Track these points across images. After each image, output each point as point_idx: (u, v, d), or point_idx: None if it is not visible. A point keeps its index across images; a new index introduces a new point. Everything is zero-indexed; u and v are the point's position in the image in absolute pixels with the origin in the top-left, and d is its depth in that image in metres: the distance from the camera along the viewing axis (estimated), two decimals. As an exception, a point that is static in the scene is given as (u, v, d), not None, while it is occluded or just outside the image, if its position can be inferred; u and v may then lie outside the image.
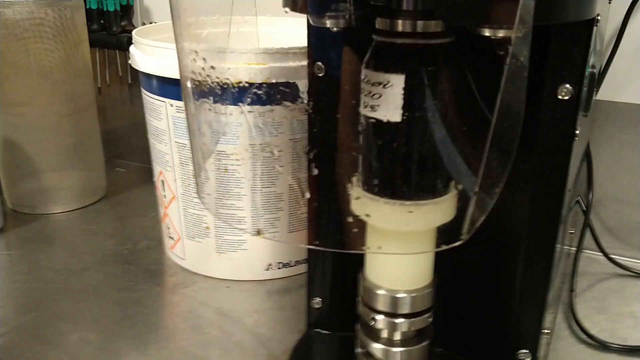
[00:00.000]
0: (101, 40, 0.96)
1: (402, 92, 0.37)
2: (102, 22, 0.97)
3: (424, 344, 0.46)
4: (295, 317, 0.63)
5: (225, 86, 0.53)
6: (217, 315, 0.64)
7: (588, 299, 0.69)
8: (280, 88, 0.59)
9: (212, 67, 0.40)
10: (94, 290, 0.68)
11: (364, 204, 0.41)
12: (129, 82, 1.01)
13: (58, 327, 0.61)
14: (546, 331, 0.55)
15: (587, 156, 0.77)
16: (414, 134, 0.38)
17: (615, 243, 0.76)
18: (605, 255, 0.74)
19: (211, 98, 0.46)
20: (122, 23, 0.96)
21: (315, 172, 0.49)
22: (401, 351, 0.45)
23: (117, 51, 0.99)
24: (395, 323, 0.45)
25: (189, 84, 0.39)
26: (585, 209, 0.75)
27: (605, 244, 0.75)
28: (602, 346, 0.60)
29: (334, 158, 0.46)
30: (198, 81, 0.42)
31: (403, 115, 0.37)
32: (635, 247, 0.76)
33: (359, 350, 0.48)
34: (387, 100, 0.38)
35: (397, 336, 0.46)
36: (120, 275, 0.71)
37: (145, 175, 0.72)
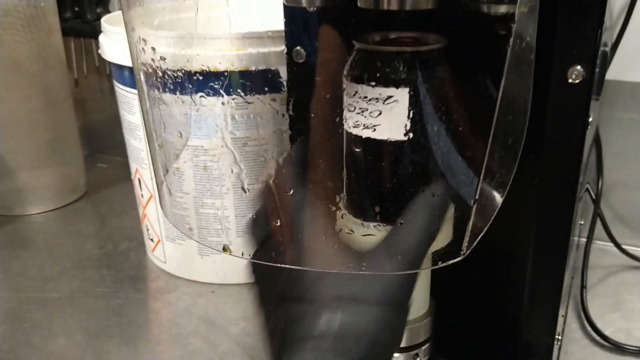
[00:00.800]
0: (75, 28, 0.90)
1: (408, 107, 0.32)
2: (75, 9, 0.91)
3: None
4: (285, 323, 0.59)
5: (197, 76, 0.48)
6: (201, 324, 0.59)
7: (600, 294, 0.64)
8: (262, 76, 0.54)
9: (163, 58, 0.35)
10: (70, 298, 0.63)
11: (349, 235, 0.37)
12: (108, 72, 0.96)
13: (29, 341, 0.57)
14: (558, 337, 0.50)
15: (596, 141, 0.72)
16: (419, 152, 0.33)
17: (627, 233, 0.71)
18: (617, 246, 0.70)
19: (179, 89, 0.41)
20: (98, 10, 0.90)
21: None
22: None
23: (94, 40, 0.93)
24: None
25: (142, 76, 0.34)
26: (594, 197, 0.70)
27: (617, 234, 0.70)
28: (618, 348, 0.56)
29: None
30: (160, 71, 0.37)
31: (407, 133, 0.33)
32: (648, 236, 0.71)
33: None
34: (390, 119, 0.32)
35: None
36: (98, 281, 0.66)
37: (129, 170, 0.67)
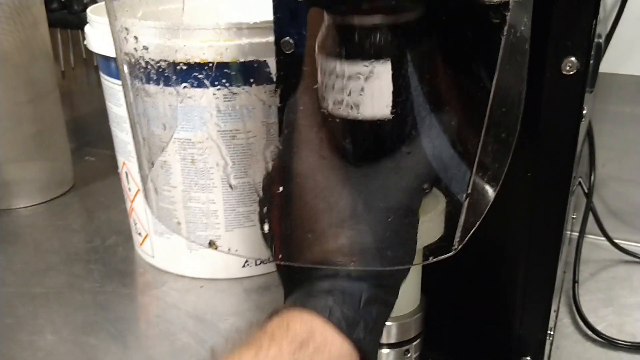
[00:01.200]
0: (62, 19, 0.89)
1: (390, 82, 0.31)
2: (62, 0, 0.89)
3: (411, 357, 0.41)
4: (274, 318, 0.58)
5: (182, 66, 0.47)
6: (190, 320, 0.58)
7: (592, 289, 0.64)
8: (249, 67, 0.53)
9: (145, 48, 0.34)
10: (56, 293, 0.62)
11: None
12: (95, 64, 0.94)
13: (15, 337, 0.56)
14: (550, 333, 0.50)
15: (589, 134, 0.72)
16: (403, 132, 0.32)
17: (620, 227, 0.71)
18: (610, 240, 0.69)
19: (164, 80, 0.40)
20: (85, 1, 0.89)
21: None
22: (387, 365, 0.40)
23: (80, 32, 0.92)
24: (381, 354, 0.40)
25: (125, 66, 0.33)
26: (587, 191, 0.69)
27: (609, 229, 0.69)
28: (610, 343, 0.55)
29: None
30: (143, 61, 0.36)
31: (392, 111, 0.31)
32: (641, 231, 0.71)
33: None
34: (372, 95, 0.31)
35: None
36: (86, 276, 0.65)
37: (117, 163, 0.66)
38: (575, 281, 0.62)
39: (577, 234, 0.69)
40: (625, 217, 0.71)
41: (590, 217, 0.69)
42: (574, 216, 0.66)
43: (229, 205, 0.60)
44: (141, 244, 0.66)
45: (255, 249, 0.63)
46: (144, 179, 0.40)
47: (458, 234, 0.29)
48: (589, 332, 0.57)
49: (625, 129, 0.72)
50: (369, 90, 0.31)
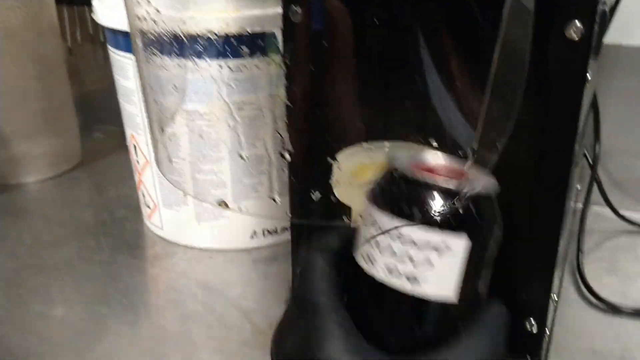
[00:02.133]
0: (68, -5, 0.89)
1: (465, 260, 0.27)
2: (68, -25, 0.90)
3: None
4: (282, 287, 0.59)
5: (191, 38, 0.48)
6: (199, 288, 0.59)
7: (597, 259, 0.64)
8: (257, 39, 0.53)
9: (158, 11, 0.35)
10: (67, 265, 0.63)
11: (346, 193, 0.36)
12: (102, 40, 0.95)
13: (27, 307, 0.57)
14: (554, 298, 0.50)
15: (594, 106, 0.72)
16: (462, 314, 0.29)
17: (624, 198, 0.71)
18: (614, 211, 0.70)
19: (172, 52, 0.41)
20: (91, -24, 0.89)
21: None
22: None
23: (87, 8, 0.92)
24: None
25: (138, 41, 0.33)
26: (592, 162, 0.69)
27: (614, 200, 0.70)
28: (614, 310, 0.56)
29: (315, 122, 0.40)
30: (154, 33, 0.37)
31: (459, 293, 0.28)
32: (646, 201, 0.71)
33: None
34: (441, 273, 0.27)
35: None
36: (96, 248, 0.66)
37: (125, 140, 0.67)
38: (579, 250, 0.63)
39: (582, 205, 0.70)
40: (629, 188, 0.72)
41: (595, 189, 0.70)
42: (579, 187, 0.67)
43: (237, 177, 0.60)
44: (150, 217, 0.67)
45: (262, 219, 0.64)
46: (155, 143, 0.41)
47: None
48: (593, 299, 0.57)
49: (631, 102, 0.72)
50: (440, 266, 0.27)
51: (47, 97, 0.79)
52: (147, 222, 0.69)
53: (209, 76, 0.54)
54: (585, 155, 0.69)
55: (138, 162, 0.65)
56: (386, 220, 0.26)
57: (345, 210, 0.35)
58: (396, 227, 0.26)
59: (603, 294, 0.57)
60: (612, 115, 0.72)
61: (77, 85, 0.92)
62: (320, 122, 0.44)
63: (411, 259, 0.26)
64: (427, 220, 0.26)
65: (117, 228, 0.70)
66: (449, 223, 0.26)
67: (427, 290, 0.26)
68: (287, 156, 0.45)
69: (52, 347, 0.52)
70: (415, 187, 0.27)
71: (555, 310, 0.56)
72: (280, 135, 0.50)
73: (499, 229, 0.28)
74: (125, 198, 0.75)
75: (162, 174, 0.54)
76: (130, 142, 0.65)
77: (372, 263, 0.27)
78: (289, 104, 0.44)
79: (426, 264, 0.26)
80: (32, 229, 0.70)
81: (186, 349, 0.52)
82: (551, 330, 0.53)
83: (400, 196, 0.27)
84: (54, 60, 0.79)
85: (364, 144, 0.39)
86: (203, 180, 0.60)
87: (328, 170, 0.37)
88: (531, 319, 0.45)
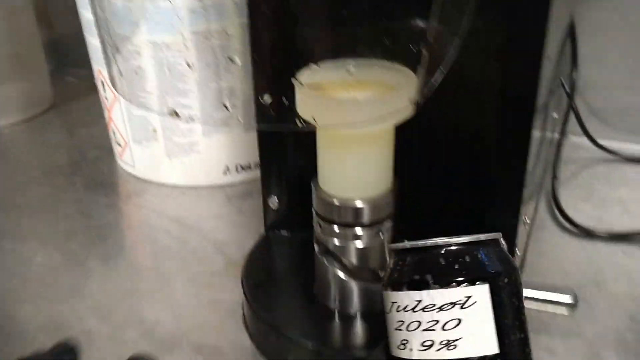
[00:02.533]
0: None
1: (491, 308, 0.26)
2: None
3: (383, 238, 0.41)
4: (256, 221, 0.58)
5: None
6: (172, 224, 0.59)
7: (573, 186, 0.64)
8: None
9: None
10: (39, 204, 0.62)
11: (309, 105, 0.35)
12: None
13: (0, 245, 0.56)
14: (527, 221, 0.50)
15: (572, 35, 0.71)
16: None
17: (601, 127, 0.71)
18: (592, 140, 0.69)
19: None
20: None
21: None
22: (360, 246, 0.40)
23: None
24: (355, 233, 0.40)
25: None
26: (569, 91, 0.69)
27: (592, 129, 0.69)
28: (588, 234, 0.56)
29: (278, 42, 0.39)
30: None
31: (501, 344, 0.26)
32: (623, 130, 0.71)
33: (317, 248, 0.43)
34: (472, 327, 0.26)
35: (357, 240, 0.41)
36: (67, 187, 0.65)
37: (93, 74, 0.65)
38: (554, 177, 0.62)
39: (559, 134, 0.70)
40: (607, 117, 0.71)
41: (573, 118, 0.69)
42: (555, 115, 0.66)
43: (206, 112, 0.59)
44: (121, 155, 0.66)
45: (234, 153, 0.63)
46: (108, 62, 0.40)
47: (421, 87, 0.29)
48: (568, 225, 0.57)
49: (608, 29, 0.71)
50: (471, 322, 0.26)
51: (14, 41, 0.77)
52: (119, 160, 0.68)
53: (172, 5, 0.53)
54: (562, 84, 0.68)
55: (106, 98, 0.63)
56: (406, 297, 0.26)
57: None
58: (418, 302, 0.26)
59: (578, 219, 0.57)
60: (590, 44, 0.71)
61: (48, 30, 0.89)
62: (282, 42, 0.42)
63: (442, 326, 0.26)
64: (443, 283, 0.26)
65: (89, 168, 0.69)
66: (465, 276, 0.26)
67: (468, 351, 0.25)
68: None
69: (24, 282, 0.51)
70: (420, 256, 0.27)
71: (529, 235, 0.56)
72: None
73: (515, 272, 0.28)
74: (97, 139, 0.74)
75: (124, 98, 0.52)
76: (97, 78, 0.64)
77: (407, 347, 0.26)
78: (252, 27, 0.43)
79: (457, 324, 0.26)
80: (4, 170, 0.69)
81: (160, 282, 0.51)
82: (524, 254, 0.53)
83: (410, 270, 0.27)
84: (20, 4, 0.77)
85: (324, 63, 0.38)
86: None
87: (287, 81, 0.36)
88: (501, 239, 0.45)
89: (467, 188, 0.45)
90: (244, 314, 0.47)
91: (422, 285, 0.26)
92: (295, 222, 0.50)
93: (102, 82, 0.62)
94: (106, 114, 0.65)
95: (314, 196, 0.41)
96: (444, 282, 0.26)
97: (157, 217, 0.60)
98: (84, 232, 0.58)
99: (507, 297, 0.26)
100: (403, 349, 0.27)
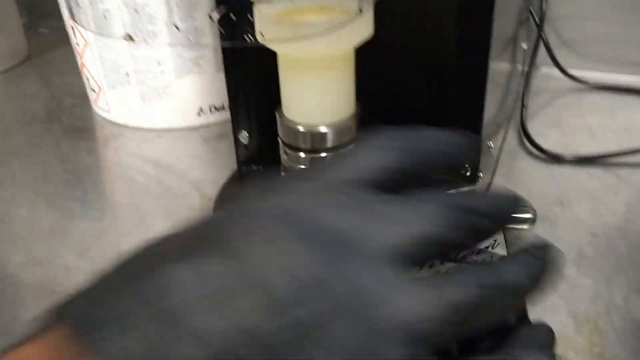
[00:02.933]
0: None
1: None
2: None
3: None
4: (231, 160, 0.59)
5: None
6: (148, 165, 0.60)
7: (542, 115, 0.65)
8: None
9: None
10: (16, 152, 0.63)
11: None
12: None
13: (-23, 192, 0.57)
14: (491, 146, 0.51)
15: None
16: None
17: (572, 57, 0.72)
18: (562, 70, 0.70)
19: None
20: None
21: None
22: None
23: None
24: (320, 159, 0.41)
25: None
26: (538, 22, 0.69)
27: (562, 59, 0.70)
28: (555, 159, 0.57)
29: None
30: None
31: None
32: (593, 59, 0.72)
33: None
34: None
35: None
36: (44, 135, 0.66)
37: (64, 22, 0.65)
38: (522, 106, 0.63)
39: (527, 66, 0.70)
40: (576, 46, 0.72)
41: (543, 50, 0.70)
42: (525, 46, 0.67)
43: (176, 51, 0.60)
44: (96, 101, 0.67)
45: (207, 94, 0.63)
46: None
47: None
48: (535, 152, 0.59)
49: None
50: None
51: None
52: (94, 106, 0.68)
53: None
54: (532, 15, 0.69)
55: (78, 44, 0.64)
56: None
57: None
58: None
59: (545, 145, 0.59)
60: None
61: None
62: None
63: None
64: None
65: (65, 115, 0.69)
66: None
67: None
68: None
69: (2, 224, 0.53)
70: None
71: (497, 161, 0.57)
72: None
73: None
74: (73, 87, 0.74)
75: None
76: (68, 25, 0.64)
77: None
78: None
79: None
80: (-21, 121, 0.70)
81: (136, 219, 0.52)
82: (491, 179, 0.54)
83: None
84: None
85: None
86: (143, 57, 0.60)
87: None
88: (465, 165, 0.46)
89: (427, 114, 0.46)
90: (218, 245, 0.49)
91: None
92: (266, 156, 0.51)
93: (73, 28, 0.63)
94: (78, 60, 0.66)
95: (279, 125, 0.42)
96: None
97: (134, 159, 0.61)
98: (62, 176, 0.59)
99: None
100: None
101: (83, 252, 0.49)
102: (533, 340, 0.25)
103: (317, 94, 0.40)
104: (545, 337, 0.26)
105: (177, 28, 0.58)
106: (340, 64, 0.39)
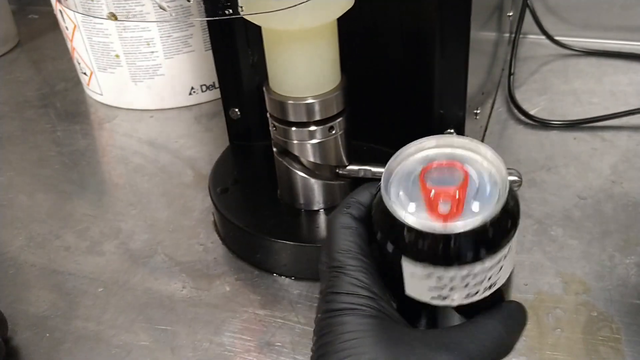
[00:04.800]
0: None
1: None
2: None
3: (337, 134, 0.43)
4: (223, 137, 0.60)
5: None
6: (142, 145, 0.61)
7: (529, 82, 0.66)
8: None
9: None
10: (11, 137, 0.64)
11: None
12: None
13: (-25, 178, 0.58)
14: (476, 111, 0.52)
15: None
16: None
17: (558, 24, 0.72)
18: (548, 36, 0.71)
19: None
20: None
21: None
22: (315, 143, 0.43)
23: None
24: (309, 131, 0.42)
25: None
26: (524, -11, 0.70)
27: (548, 26, 0.71)
28: (542, 124, 0.58)
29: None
30: None
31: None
32: (579, 25, 0.72)
33: (275, 150, 0.45)
34: (509, 266, 0.28)
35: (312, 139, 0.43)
36: (38, 119, 0.66)
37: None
38: (510, 74, 0.64)
39: (514, 34, 0.71)
40: (563, 13, 0.72)
41: (530, 17, 0.70)
42: (510, 14, 0.67)
43: (165, 32, 0.60)
44: (88, 84, 0.67)
45: (198, 74, 0.64)
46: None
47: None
48: (523, 118, 0.59)
49: None
50: (509, 263, 0.27)
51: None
52: (87, 90, 0.69)
53: None
54: (517, -17, 0.69)
55: (67, 28, 0.64)
56: (453, 272, 0.26)
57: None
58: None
59: (532, 111, 0.59)
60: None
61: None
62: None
63: (490, 277, 0.26)
64: (496, 250, 0.26)
65: (58, 99, 0.70)
66: (512, 230, 0.26)
67: (501, 284, 0.27)
68: None
69: (2, 209, 0.54)
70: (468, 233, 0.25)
71: (485, 129, 0.58)
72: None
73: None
74: (64, 72, 0.75)
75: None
76: (56, 9, 0.64)
77: (448, 299, 0.27)
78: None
79: (501, 270, 0.27)
80: (-27, 109, 0.70)
81: (133, 198, 0.53)
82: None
83: (460, 247, 0.25)
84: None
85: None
86: (131, 38, 0.60)
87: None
88: (451, 130, 0.47)
89: (412, 82, 0.46)
90: (214, 220, 0.50)
91: (475, 259, 0.25)
92: (257, 132, 0.52)
93: (61, 12, 0.63)
94: (69, 44, 0.66)
95: (267, 99, 0.43)
96: (496, 249, 0.26)
97: (128, 140, 0.61)
98: (58, 159, 0.59)
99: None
100: (441, 301, 0.27)
101: (82, 232, 0.50)
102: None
103: (302, 66, 0.40)
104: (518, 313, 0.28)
105: (162, 9, 0.58)
106: (324, 35, 0.40)
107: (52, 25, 0.86)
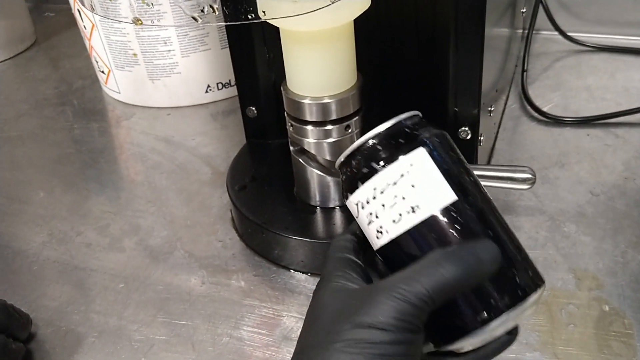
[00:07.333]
0: None
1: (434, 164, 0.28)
2: None
3: (353, 133, 0.44)
4: (239, 134, 0.60)
5: None
6: (159, 142, 0.62)
7: (543, 78, 0.66)
8: None
9: None
10: (30, 135, 0.65)
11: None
12: None
13: (-4, 175, 0.59)
14: (490, 108, 0.53)
15: None
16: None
17: (571, 20, 0.72)
18: (561, 32, 0.71)
19: None
20: None
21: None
22: (331, 142, 0.43)
23: None
24: (325, 130, 0.43)
25: None
26: (537, -14, 0.70)
27: (561, 22, 0.71)
28: (555, 121, 0.59)
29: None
30: None
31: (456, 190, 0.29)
32: (592, 21, 0.72)
33: (292, 148, 0.46)
34: (427, 187, 0.28)
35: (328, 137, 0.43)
36: (57, 117, 0.67)
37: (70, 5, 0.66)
38: (523, 70, 0.65)
39: (527, 29, 0.71)
40: (576, 9, 0.72)
41: (543, 13, 0.71)
42: (524, 10, 0.68)
43: (182, 31, 0.61)
44: (106, 82, 0.68)
45: (214, 72, 0.65)
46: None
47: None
48: (536, 114, 0.60)
49: None
50: (423, 183, 0.28)
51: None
52: (104, 88, 0.70)
53: None
54: (530, -20, 0.70)
55: (85, 27, 0.65)
56: (364, 191, 0.29)
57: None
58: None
59: (545, 108, 0.60)
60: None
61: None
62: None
63: (402, 197, 0.28)
64: (388, 162, 0.28)
65: (76, 97, 0.71)
66: (403, 148, 0.29)
67: (432, 209, 0.28)
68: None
69: (23, 205, 0.55)
70: (360, 154, 0.29)
71: (499, 125, 0.59)
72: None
73: (442, 133, 0.30)
74: (82, 70, 0.76)
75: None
76: (74, 8, 0.65)
77: (383, 231, 0.29)
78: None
79: (412, 189, 0.28)
80: (-7, 107, 0.71)
81: (151, 195, 0.54)
82: (494, 142, 0.56)
83: (357, 168, 0.29)
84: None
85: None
86: (148, 38, 0.61)
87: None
88: (466, 128, 0.47)
89: (427, 81, 0.47)
90: (232, 217, 0.51)
91: (372, 173, 0.29)
92: (274, 130, 0.53)
93: (79, 11, 0.64)
94: (87, 43, 0.67)
95: (284, 98, 0.44)
96: (389, 160, 0.29)
97: (146, 138, 0.62)
98: (77, 157, 0.61)
99: (444, 152, 0.29)
100: (381, 236, 0.29)
101: (102, 228, 0.51)
102: None
103: (319, 66, 0.41)
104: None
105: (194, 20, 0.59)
106: (341, 36, 0.40)
107: (69, 22, 0.87)
